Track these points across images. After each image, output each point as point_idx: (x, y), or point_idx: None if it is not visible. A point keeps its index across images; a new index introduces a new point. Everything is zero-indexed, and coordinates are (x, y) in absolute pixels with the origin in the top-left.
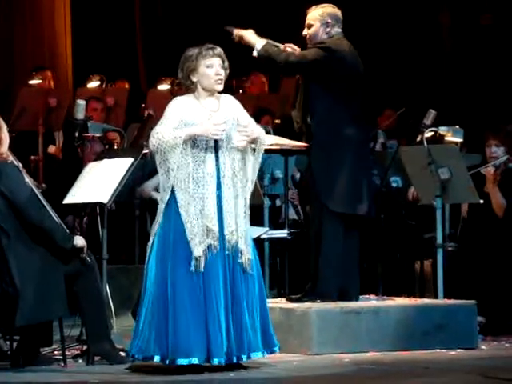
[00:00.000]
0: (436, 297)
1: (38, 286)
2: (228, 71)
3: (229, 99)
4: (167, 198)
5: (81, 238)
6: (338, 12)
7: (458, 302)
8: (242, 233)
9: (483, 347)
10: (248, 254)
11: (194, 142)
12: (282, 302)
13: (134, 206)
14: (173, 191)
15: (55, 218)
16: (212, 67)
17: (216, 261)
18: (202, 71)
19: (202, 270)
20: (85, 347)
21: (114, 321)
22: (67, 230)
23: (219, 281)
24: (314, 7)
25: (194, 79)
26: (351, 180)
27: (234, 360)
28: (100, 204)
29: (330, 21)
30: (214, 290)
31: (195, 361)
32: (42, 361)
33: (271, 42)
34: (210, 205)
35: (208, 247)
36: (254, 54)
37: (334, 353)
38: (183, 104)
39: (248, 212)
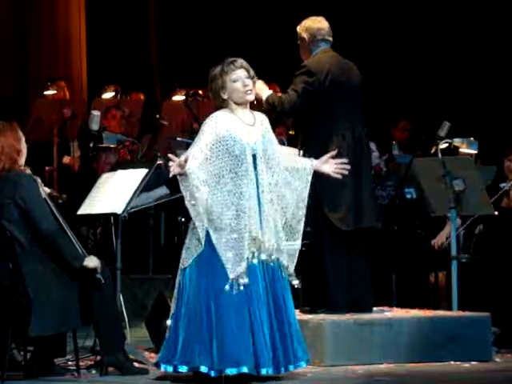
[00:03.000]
0: (450, 309)
1: (52, 297)
2: (256, 79)
3: (263, 117)
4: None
5: (94, 258)
6: (319, 23)
7: (472, 314)
8: (284, 247)
9: (497, 360)
10: (292, 268)
11: (234, 157)
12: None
13: (147, 216)
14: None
15: (69, 233)
16: (238, 80)
17: (256, 272)
18: (229, 87)
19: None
20: (98, 358)
21: (128, 331)
22: (81, 249)
23: (261, 294)
24: None
25: (225, 96)
26: (352, 195)
27: (282, 371)
28: (114, 214)
29: (306, 36)
30: (257, 302)
31: (245, 369)
32: (55, 371)
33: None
34: (252, 219)
35: (251, 256)
36: (264, 105)
37: (347, 364)
38: (220, 119)
39: (296, 224)
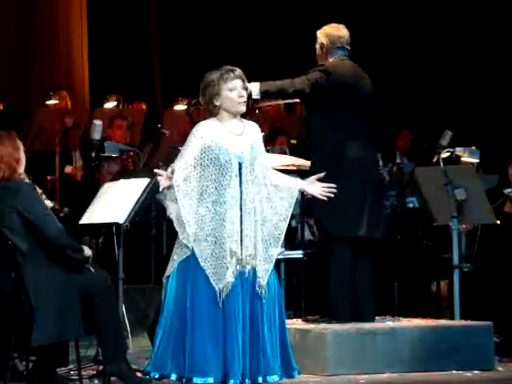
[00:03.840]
0: (452, 318)
1: (54, 306)
2: (248, 91)
3: (254, 126)
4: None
5: (86, 248)
6: (340, 31)
7: (474, 323)
8: (261, 258)
9: (500, 369)
10: (264, 281)
11: (219, 166)
12: (297, 323)
13: (150, 225)
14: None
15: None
16: (235, 89)
17: (236, 283)
18: (224, 95)
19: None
20: (101, 367)
21: (130, 341)
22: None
23: (239, 304)
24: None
25: (217, 103)
26: (351, 201)
27: (248, 383)
28: (116, 224)
29: (325, 42)
30: (233, 312)
31: (210, 380)
32: (58, 381)
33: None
34: (234, 228)
35: (232, 267)
36: (256, 96)
37: (349, 374)
38: (206, 129)
39: (273, 240)
